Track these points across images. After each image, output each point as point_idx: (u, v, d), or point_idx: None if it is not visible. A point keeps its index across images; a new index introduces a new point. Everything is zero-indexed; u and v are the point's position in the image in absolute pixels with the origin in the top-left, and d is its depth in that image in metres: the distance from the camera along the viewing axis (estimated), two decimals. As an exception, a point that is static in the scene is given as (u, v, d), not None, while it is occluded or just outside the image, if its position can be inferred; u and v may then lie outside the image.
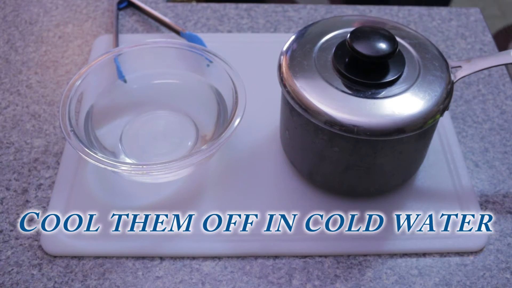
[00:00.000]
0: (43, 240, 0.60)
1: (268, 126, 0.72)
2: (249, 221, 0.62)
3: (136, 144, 0.67)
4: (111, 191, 0.65)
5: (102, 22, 0.89)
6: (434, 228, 0.62)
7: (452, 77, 0.59)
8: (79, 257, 0.60)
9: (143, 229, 0.61)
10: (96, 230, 0.61)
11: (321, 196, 0.65)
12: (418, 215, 0.63)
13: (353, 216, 0.63)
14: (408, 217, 0.63)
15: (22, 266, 0.59)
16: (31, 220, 0.63)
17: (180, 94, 0.73)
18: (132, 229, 0.61)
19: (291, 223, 0.62)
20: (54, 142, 0.71)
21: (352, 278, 0.59)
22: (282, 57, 0.61)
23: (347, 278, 0.59)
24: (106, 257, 0.60)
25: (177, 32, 0.80)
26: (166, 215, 0.62)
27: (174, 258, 0.60)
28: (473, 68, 0.61)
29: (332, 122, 0.54)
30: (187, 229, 0.62)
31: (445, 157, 0.69)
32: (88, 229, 0.61)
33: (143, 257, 0.60)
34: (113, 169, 0.57)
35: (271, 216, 0.63)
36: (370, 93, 0.56)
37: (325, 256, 0.60)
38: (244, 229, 0.62)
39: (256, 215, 0.63)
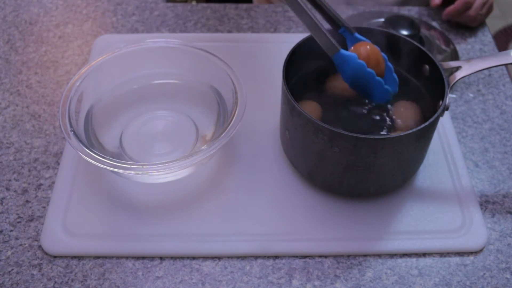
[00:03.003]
0: (43, 240, 0.60)
1: (268, 126, 0.72)
2: (249, 221, 0.62)
3: (136, 144, 0.67)
4: (111, 191, 0.65)
5: (102, 22, 0.89)
6: (434, 228, 0.62)
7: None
8: (79, 257, 0.60)
9: (143, 229, 0.61)
10: (97, 230, 0.61)
11: (321, 196, 0.65)
12: (418, 215, 0.63)
13: (353, 216, 0.63)
14: (408, 217, 0.63)
15: (22, 266, 0.59)
16: (31, 220, 0.63)
17: (180, 94, 0.73)
18: (132, 229, 0.61)
19: (291, 223, 0.62)
20: (54, 142, 0.71)
21: (352, 278, 0.59)
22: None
23: (347, 278, 0.59)
24: (106, 257, 0.60)
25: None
26: (166, 215, 0.62)
27: (174, 258, 0.60)
28: (473, 68, 0.61)
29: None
30: (187, 229, 0.61)
31: (445, 157, 0.69)
32: (88, 229, 0.61)
33: (143, 257, 0.60)
34: (113, 169, 0.57)
35: (271, 216, 0.63)
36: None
37: (325, 256, 0.60)
38: (244, 229, 0.62)
39: (256, 215, 0.63)
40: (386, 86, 0.58)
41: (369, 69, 0.55)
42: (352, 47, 0.58)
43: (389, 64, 0.59)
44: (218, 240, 0.61)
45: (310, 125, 0.57)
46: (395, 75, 0.59)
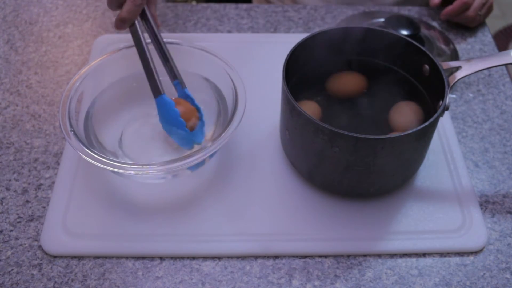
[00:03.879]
0: (43, 240, 0.60)
1: (268, 126, 0.72)
2: (249, 221, 0.62)
3: (136, 144, 0.67)
4: (111, 191, 0.65)
5: (102, 22, 0.89)
6: (434, 228, 0.62)
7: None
8: (79, 257, 0.60)
9: (143, 229, 0.61)
10: (97, 230, 0.61)
11: (321, 196, 0.65)
12: (418, 215, 0.63)
13: (353, 216, 0.63)
14: (408, 217, 0.63)
15: (22, 266, 0.59)
16: (31, 220, 0.63)
17: (180, 94, 0.73)
18: (132, 229, 0.61)
19: (291, 223, 0.62)
20: (54, 142, 0.71)
21: (352, 278, 0.59)
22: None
23: (347, 278, 0.59)
24: (106, 257, 0.60)
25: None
26: (166, 215, 0.62)
27: (174, 258, 0.60)
28: (473, 68, 0.61)
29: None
30: (187, 229, 0.61)
31: (445, 157, 0.69)
32: (88, 229, 0.61)
33: (143, 257, 0.60)
34: (113, 169, 0.57)
35: (271, 216, 0.63)
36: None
37: (325, 256, 0.60)
38: (244, 229, 0.62)
39: (256, 215, 0.63)
40: (193, 138, 0.64)
41: (181, 119, 0.62)
42: (174, 98, 0.65)
43: (203, 120, 0.65)
44: (218, 240, 0.61)
45: (310, 125, 0.57)
46: (204, 130, 0.66)
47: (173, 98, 0.64)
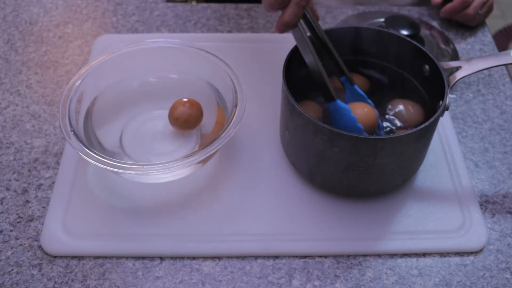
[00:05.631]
0: (43, 240, 0.60)
1: (268, 126, 0.72)
2: (249, 221, 0.62)
3: (136, 144, 0.67)
4: (111, 191, 0.65)
5: (102, 22, 0.89)
6: (434, 228, 0.62)
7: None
8: (79, 257, 0.60)
9: (143, 229, 0.61)
10: (97, 230, 0.61)
11: (321, 196, 0.65)
12: (418, 215, 0.63)
13: (353, 216, 0.63)
14: (408, 217, 0.63)
15: (22, 266, 0.59)
16: (31, 220, 0.63)
17: (180, 94, 0.73)
18: (132, 229, 0.61)
19: (291, 223, 0.62)
20: (54, 142, 0.71)
21: (352, 278, 0.59)
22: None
23: (347, 278, 0.59)
24: (106, 257, 0.60)
25: None
26: (166, 215, 0.62)
27: (174, 258, 0.60)
28: (473, 68, 0.61)
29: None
30: (187, 229, 0.61)
31: (445, 157, 0.69)
32: (88, 229, 0.61)
33: (143, 257, 0.60)
34: (113, 169, 0.57)
35: (271, 216, 0.63)
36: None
37: (325, 256, 0.60)
38: (244, 229, 0.62)
39: (256, 215, 0.63)
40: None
41: (359, 124, 0.59)
42: (349, 104, 0.62)
43: (380, 122, 0.63)
44: (218, 240, 0.61)
45: (310, 125, 0.57)
46: (382, 132, 0.63)
47: (348, 104, 0.61)
